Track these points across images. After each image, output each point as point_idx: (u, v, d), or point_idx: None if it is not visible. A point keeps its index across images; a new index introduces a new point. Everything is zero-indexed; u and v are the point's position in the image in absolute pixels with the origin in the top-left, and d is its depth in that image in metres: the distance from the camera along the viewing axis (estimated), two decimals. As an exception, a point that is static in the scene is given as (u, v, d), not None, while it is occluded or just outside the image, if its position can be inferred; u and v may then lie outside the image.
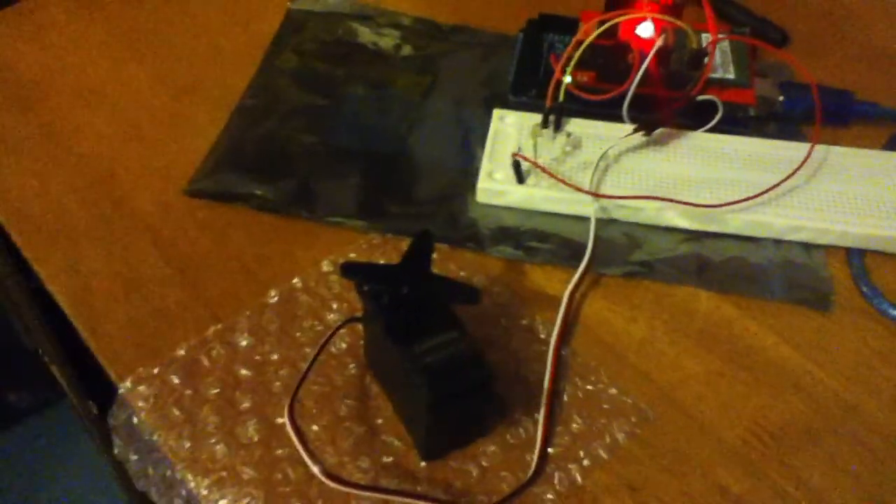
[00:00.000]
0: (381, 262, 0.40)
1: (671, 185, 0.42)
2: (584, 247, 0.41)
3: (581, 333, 0.38)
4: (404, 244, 0.33)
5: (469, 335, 0.32)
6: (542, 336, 0.37)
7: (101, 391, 0.37)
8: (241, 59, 0.50)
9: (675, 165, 0.43)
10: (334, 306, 0.38)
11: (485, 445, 0.34)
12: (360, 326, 0.37)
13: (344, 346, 0.37)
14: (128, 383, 0.35)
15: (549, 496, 0.33)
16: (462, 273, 0.40)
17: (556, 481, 0.33)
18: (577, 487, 0.33)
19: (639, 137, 0.44)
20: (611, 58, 0.46)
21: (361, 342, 0.37)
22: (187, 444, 0.33)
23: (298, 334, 0.37)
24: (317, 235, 0.41)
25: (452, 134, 0.46)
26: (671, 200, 0.41)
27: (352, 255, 0.40)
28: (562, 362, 0.37)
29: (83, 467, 1.02)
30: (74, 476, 1.02)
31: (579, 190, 0.41)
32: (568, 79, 0.44)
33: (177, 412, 0.34)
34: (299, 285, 0.39)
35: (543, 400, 0.35)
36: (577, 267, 0.40)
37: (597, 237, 0.41)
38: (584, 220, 0.42)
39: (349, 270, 0.33)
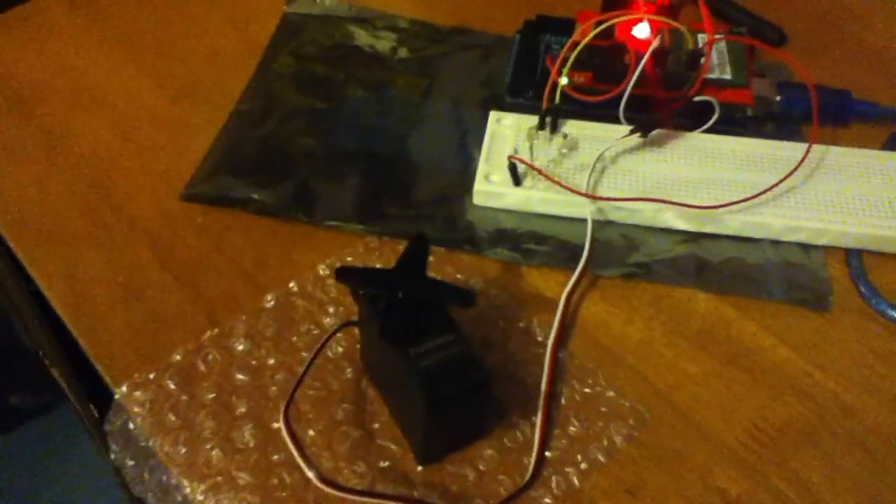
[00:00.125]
0: (378, 265, 0.40)
1: (668, 186, 0.42)
2: (582, 249, 0.41)
3: (578, 336, 0.38)
4: (402, 247, 0.33)
5: (466, 338, 0.32)
6: (540, 338, 0.37)
7: (102, 394, 0.37)
8: (239, 62, 0.50)
9: (672, 166, 0.43)
10: (331, 310, 0.38)
11: (482, 449, 0.34)
12: (356, 330, 0.37)
13: (340, 350, 0.37)
14: (124, 388, 0.35)
15: (547, 500, 0.32)
16: (459, 275, 0.40)
17: (553, 485, 0.33)
18: (575, 491, 0.33)
19: (636, 139, 0.43)
20: (607, 59, 0.45)
21: (358, 346, 0.37)
22: (183, 450, 0.33)
23: (295, 338, 0.37)
24: (314, 239, 0.41)
25: (450, 136, 0.46)
26: (668, 202, 0.41)
27: (349, 259, 0.40)
28: (559, 365, 0.37)
29: (84, 469, 1.03)
30: (76, 478, 1.02)
31: (576, 192, 0.41)
32: (564, 80, 0.44)
33: (173, 417, 0.34)
34: (296, 289, 0.39)
35: (541, 403, 0.35)
36: (574, 269, 0.40)
37: (594, 239, 0.41)
38: (581, 221, 0.42)
39: (344, 275, 0.33)
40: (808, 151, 0.42)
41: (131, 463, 0.35)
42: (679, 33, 0.44)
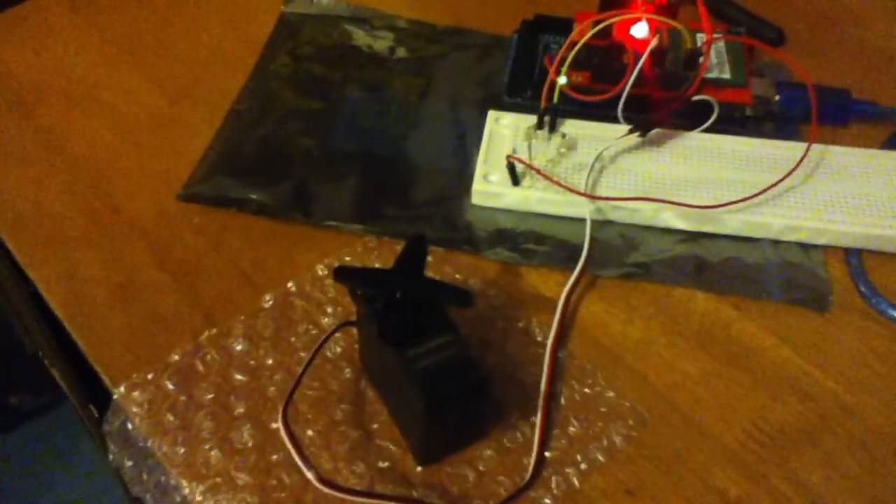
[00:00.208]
0: (377, 265, 0.40)
1: (667, 185, 0.42)
2: (581, 248, 0.40)
3: (578, 336, 0.38)
4: (400, 247, 0.33)
5: (464, 338, 0.31)
6: (539, 339, 0.37)
7: (101, 394, 0.37)
8: (237, 62, 0.50)
9: (671, 166, 0.43)
10: (329, 310, 0.38)
11: (481, 449, 0.34)
12: (355, 330, 0.37)
13: (339, 350, 0.37)
14: (122, 389, 0.35)
15: (547, 501, 0.32)
16: (458, 276, 0.40)
17: (553, 485, 0.33)
18: (575, 491, 0.33)
19: (634, 138, 0.43)
20: (606, 58, 0.45)
21: (356, 346, 0.37)
22: (182, 450, 0.33)
23: (293, 339, 0.37)
24: (313, 239, 0.41)
25: (448, 136, 0.46)
26: (667, 202, 0.41)
27: (347, 259, 0.40)
28: (558, 365, 0.37)
29: (85, 469, 1.02)
30: (76, 478, 1.02)
31: (575, 192, 0.41)
32: (563, 80, 0.44)
33: (171, 418, 0.34)
34: (294, 289, 0.39)
35: (540, 403, 0.35)
36: (573, 269, 0.40)
37: (593, 239, 0.41)
38: (580, 221, 0.42)
39: (342, 275, 0.33)
40: (807, 151, 0.42)
41: (130, 463, 0.35)
42: (677, 33, 0.44)
